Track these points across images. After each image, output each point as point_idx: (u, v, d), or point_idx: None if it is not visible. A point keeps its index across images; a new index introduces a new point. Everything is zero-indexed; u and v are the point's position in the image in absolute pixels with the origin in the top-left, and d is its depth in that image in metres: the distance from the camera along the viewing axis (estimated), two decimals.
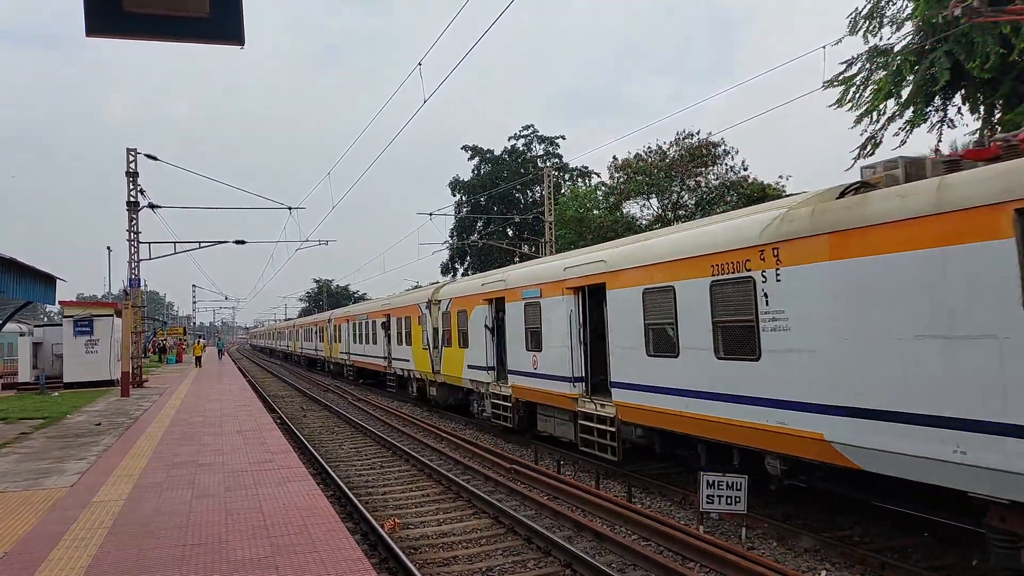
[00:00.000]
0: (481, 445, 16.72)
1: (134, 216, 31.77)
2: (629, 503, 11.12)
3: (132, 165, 31.30)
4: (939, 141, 21.43)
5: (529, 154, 60.53)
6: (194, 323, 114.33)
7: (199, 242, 34.44)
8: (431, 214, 36.60)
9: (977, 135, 20.15)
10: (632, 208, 42.07)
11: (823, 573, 8.16)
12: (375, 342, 31.78)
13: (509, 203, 58.13)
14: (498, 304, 18.05)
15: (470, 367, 19.70)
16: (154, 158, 31.59)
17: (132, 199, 31.51)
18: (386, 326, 29.50)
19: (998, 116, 19.29)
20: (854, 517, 10.00)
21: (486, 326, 18.44)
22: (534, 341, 15.76)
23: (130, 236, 31.88)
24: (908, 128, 21.10)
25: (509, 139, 61.45)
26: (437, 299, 22.67)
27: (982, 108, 19.98)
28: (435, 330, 22.46)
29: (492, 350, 18.43)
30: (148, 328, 61.74)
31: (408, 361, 26.20)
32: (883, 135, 21.55)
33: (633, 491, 12.00)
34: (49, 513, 9.36)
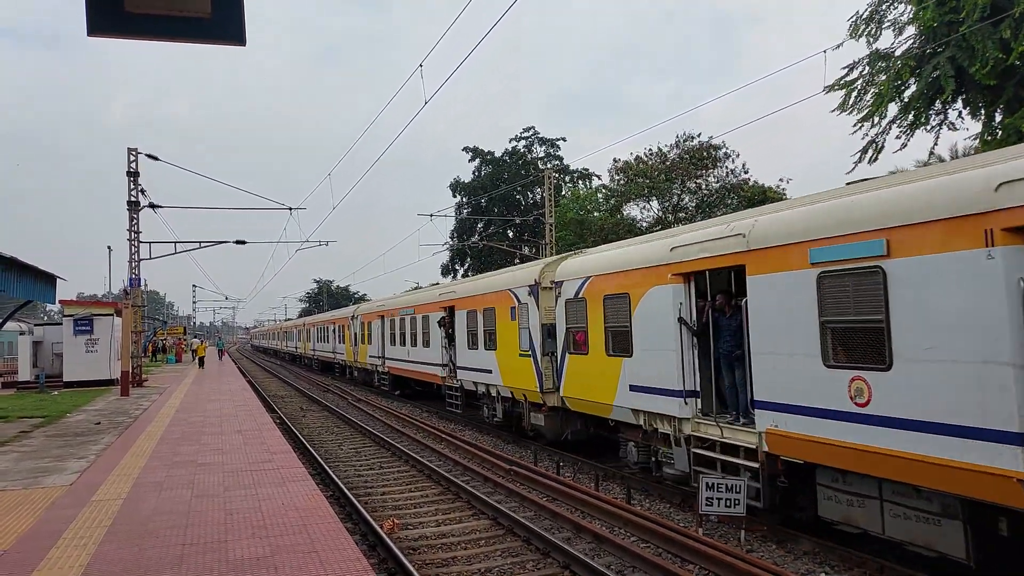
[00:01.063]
0: (480, 446, 16.72)
1: (135, 216, 31.79)
2: (628, 505, 11.12)
3: (133, 165, 31.31)
4: (935, 143, 21.48)
5: (530, 156, 60.55)
6: (194, 323, 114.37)
7: (199, 242, 34.51)
8: (431, 215, 36.67)
9: (978, 139, 20.20)
10: (632, 210, 42.13)
11: (822, 575, 8.16)
12: (427, 344, 24.71)
13: (510, 205, 58.15)
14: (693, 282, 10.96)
15: (638, 388, 11.95)
16: (155, 158, 31.63)
17: (133, 199, 31.53)
18: (447, 322, 22.78)
19: (999, 119, 19.30)
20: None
21: (680, 319, 10.86)
22: None
23: (130, 236, 31.90)
24: (909, 132, 21.13)
25: (510, 141, 61.60)
26: (556, 279, 14.87)
27: (982, 112, 19.99)
28: (546, 327, 15.59)
29: (688, 363, 10.88)
30: (148, 328, 61.72)
31: (490, 372, 18.67)
32: (885, 139, 21.59)
33: (632, 493, 12.00)
34: (48, 512, 9.36)
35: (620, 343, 12.48)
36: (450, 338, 22.32)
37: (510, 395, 17.51)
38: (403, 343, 27.76)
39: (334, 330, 44.81)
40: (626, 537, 9.73)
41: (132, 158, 31.31)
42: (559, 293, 14.63)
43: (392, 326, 29.59)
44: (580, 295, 13.76)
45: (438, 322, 23.16)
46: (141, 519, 8.86)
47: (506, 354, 17.54)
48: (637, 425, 12.11)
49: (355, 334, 37.33)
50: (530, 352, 16.06)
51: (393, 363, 29.75)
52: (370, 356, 33.61)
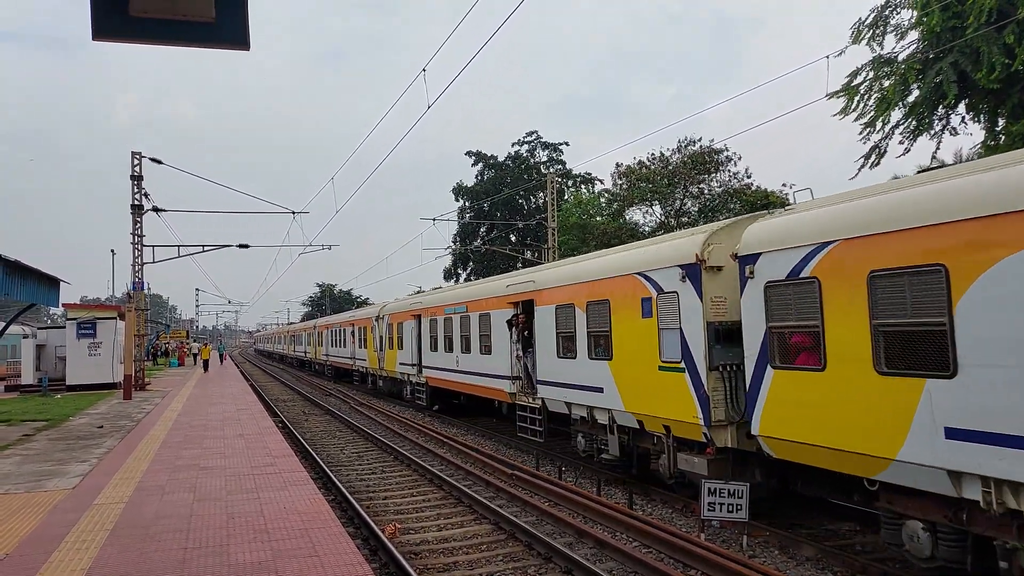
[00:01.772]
0: (482, 451, 16.70)
1: (138, 219, 31.87)
2: (631, 510, 11.09)
3: (137, 168, 31.40)
4: (938, 148, 21.46)
5: (532, 160, 60.61)
6: (197, 326, 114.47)
7: (203, 246, 34.53)
8: (434, 219, 36.64)
9: (981, 145, 20.18)
10: (635, 215, 42.12)
11: None
12: (486, 350, 19.28)
13: (512, 209, 58.19)
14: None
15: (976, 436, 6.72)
16: (159, 162, 31.72)
17: (136, 202, 31.61)
18: (519, 322, 17.24)
19: (1002, 125, 19.28)
20: (856, 526, 9.96)
21: None
22: None
23: (134, 239, 31.97)
24: (912, 137, 21.12)
25: (512, 145, 61.57)
26: (743, 252, 9.73)
27: (984, 117, 19.98)
28: (713, 326, 10.53)
29: None
30: (151, 331, 61.79)
31: (600, 391, 13.29)
32: (888, 144, 21.59)
33: (635, 498, 11.98)
34: (50, 515, 9.36)
35: (915, 351, 7.31)
36: (526, 342, 17.10)
37: (636, 424, 12.23)
38: (448, 348, 22.33)
39: (353, 333, 38.94)
40: (628, 542, 9.71)
41: (136, 162, 31.39)
42: (751, 274, 9.43)
43: (432, 327, 24.06)
44: (806, 273, 8.61)
45: (507, 321, 17.58)
46: (143, 523, 8.86)
47: (631, 365, 12.32)
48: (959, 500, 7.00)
49: (380, 338, 31.85)
50: (682, 364, 10.87)
51: (433, 373, 24.06)
52: (401, 364, 27.77)
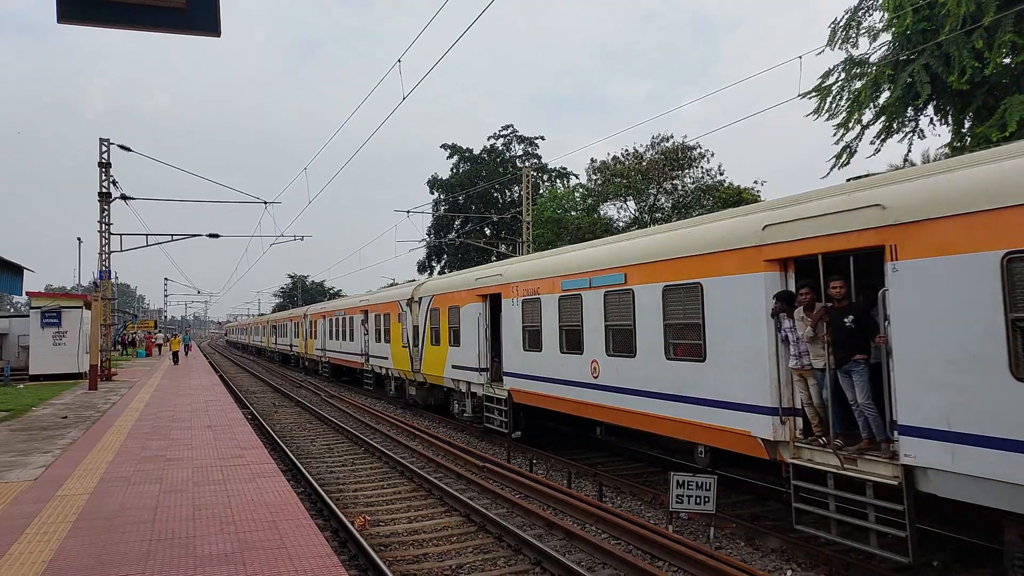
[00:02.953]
0: (454, 443, 16.70)
1: (106, 207, 31.29)
2: (600, 502, 11.18)
3: (105, 156, 30.81)
4: (909, 150, 21.89)
5: (508, 154, 60.60)
6: (165, 316, 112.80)
7: (172, 235, 34.04)
8: (408, 212, 36.46)
9: (947, 146, 20.59)
10: (609, 210, 42.33)
11: (788, 573, 8.28)
12: (696, 352, 10.39)
13: (487, 202, 58.15)
14: None
15: None
16: (128, 149, 31.15)
17: (104, 190, 31.02)
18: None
19: (968, 127, 19.67)
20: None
21: None
22: None
23: (101, 227, 31.39)
24: (883, 137, 21.47)
25: (488, 138, 61.55)
26: None
27: (951, 120, 20.37)
28: None
29: None
30: (118, 321, 60.75)
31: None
32: (858, 144, 21.92)
33: (604, 491, 12.07)
34: (11, 507, 9.19)
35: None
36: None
37: None
38: (570, 347, 13.63)
39: (366, 321, 29.33)
40: (597, 534, 9.79)
41: (104, 149, 30.80)
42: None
43: (530, 314, 15.19)
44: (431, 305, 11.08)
45: (774, 309, 8.88)
46: (107, 514, 8.74)
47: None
48: None
49: (416, 328, 22.59)
50: None
51: (525, 384, 15.39)
52: (454, 367, 19.25)
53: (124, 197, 31.85)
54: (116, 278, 46.27)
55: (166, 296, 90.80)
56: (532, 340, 15.16)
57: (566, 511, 10.99)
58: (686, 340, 10.53)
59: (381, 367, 27.33)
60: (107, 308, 32.74)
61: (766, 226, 9.00)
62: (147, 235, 33.43)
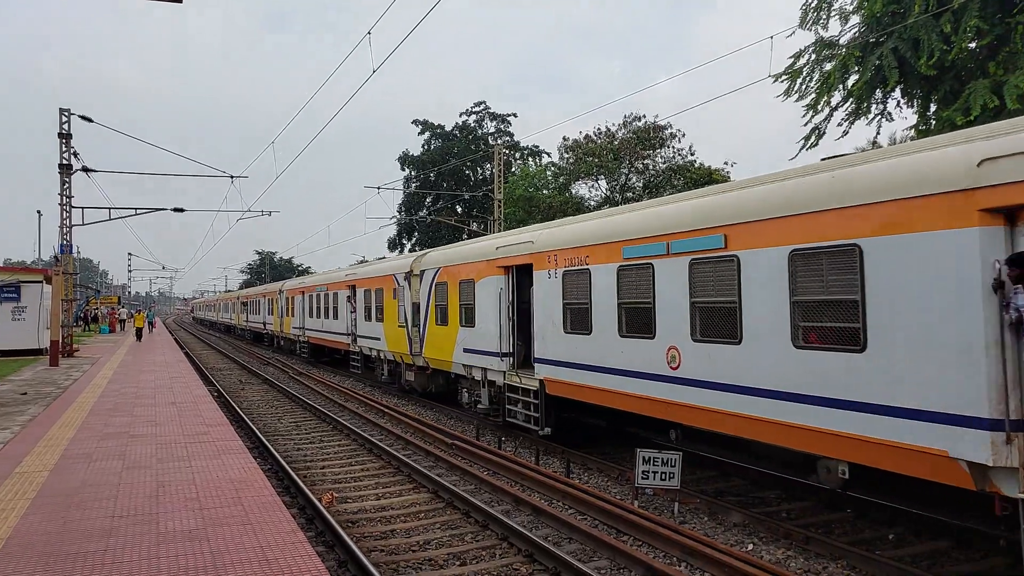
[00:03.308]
0: (423, 421, 16.70)
1: (66, 179, 30.49)
2: (567, 479, 11.27)
3: (65, 126, 29.96)
4: (877, 133, 22.17)
5: (480, 131, 60.16)
6: (129, 292, 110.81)
7: (136, 208, 33.35)
8: (379, 188, 36.09)
9: (912, 128, 20.88)
10: (581, 189, 42.36)
11: (750, 546, 8.43)
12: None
13: (459, 180, 57.77)
14: None
15: None
16: (89, 119, 30.28)
17: (64, 161, 30.22)
18: None
19: (934, 111, 19.95)
20: (782, 493, 10.34)
21: None
22: None
23: (62, 200, 30.61)
24: (851, 119, 21.68)
25: (460, 115, 60.97)
26: None
27: (918, 103, 20.63)
28: None
29: None
30: (80, 296, 59.51)
31: None
32: (827, 126, 22.12)
33: (572, 467, 12.17)
34: None
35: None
36: None
37: None
38: (632, 329, 11.13)
39: (351, 298, 26.81)
40: (564, 510, 9.87)
41: (64, 119, 29.95)
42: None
43: (572, 288, 12.64)
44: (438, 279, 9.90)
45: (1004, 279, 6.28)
46: (68, 491, 8.59)
47: None
48: None
49: (412, 307, 20.19)
50: None
51: (566, 374, 12.83)
52: (466, 350, 16.77)
53: (86, 169, 31.08)
54: (78, 253, 45.28)
55: (130, 272, 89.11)
56: (577, 320, 12.44)
57: (534, 487, 11.06)
58: (828, 323, 7.80)
59: (372, 349, 24.57)
60: (68, 283, 32.02)
61: (983, 160, 6.40)
62: (110, 208, 32.73)
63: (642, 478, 9.58)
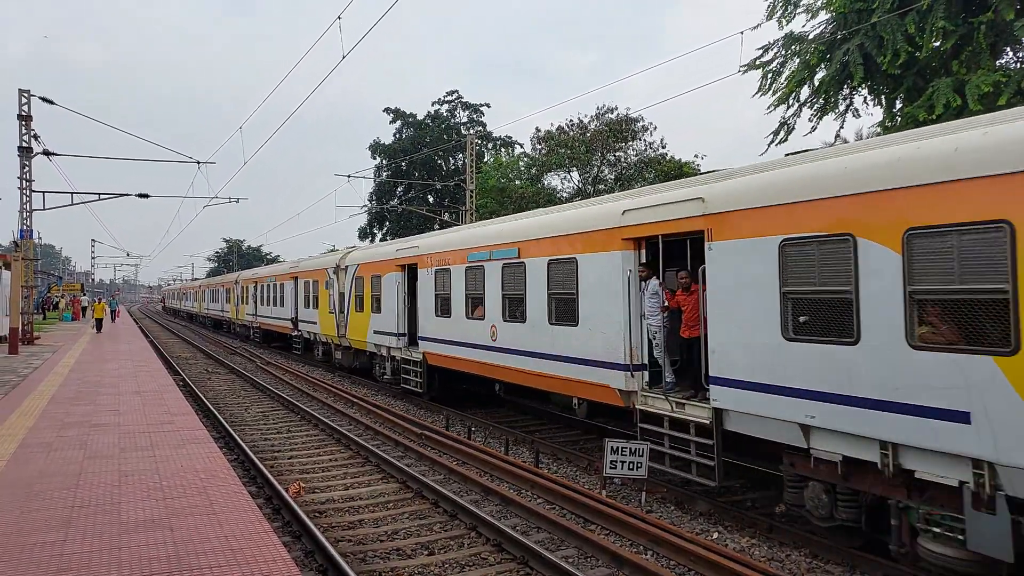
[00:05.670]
0: (392, 411, 16.63)
1: (27, 163, 29.70)
2: (536, 468, 11.32)
3: (25, 108, 29.16)
4: (841, 127, 22.44)
5: (453, 120, 59.76)
6: (93, 279, 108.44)
7: (99, 194, 32.58)
8: (349, 176, 35.73)
9: (879, 124, 21.21)
10: (553, 180, 42.35)
11: (715, 535, 8.55)
12: None
13: (431, 169, 57.36)
14: None
15: None
16: (50, 101, 29.50)
17: (24, 144, 29.43)
18: None
19: (899, 107, 20.26)
20: (747, 483, 10.50)
21: None
22: None
23: (22, 184, 29.83)
24: (819, 115, 21.93)
25: (432, 104, 60.48)
26: None
27: (884, 100, 20.94)
28: None
29: None
30: (42, 283, 58.13)
31: None
32: (796, 121, 22.35)
33: (541, 457, 12.22)
34: None
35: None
36: None
37: None
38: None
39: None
40: (532, 500, 9.91)
41: (24, 100, 29.15)
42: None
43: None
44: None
45: None
46: (26, 480, 8.41)
47: None
48: None
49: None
50: None
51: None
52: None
53: (47, 153, 30.30)
54: (39, 238, 44.15)
55: (93, 258, 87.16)
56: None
57: (503, 477, 11.08)
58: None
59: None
60: (29, 269, 31.25)
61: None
62: (72, 193, 31.96)
63: (610, 467, 9.65)
